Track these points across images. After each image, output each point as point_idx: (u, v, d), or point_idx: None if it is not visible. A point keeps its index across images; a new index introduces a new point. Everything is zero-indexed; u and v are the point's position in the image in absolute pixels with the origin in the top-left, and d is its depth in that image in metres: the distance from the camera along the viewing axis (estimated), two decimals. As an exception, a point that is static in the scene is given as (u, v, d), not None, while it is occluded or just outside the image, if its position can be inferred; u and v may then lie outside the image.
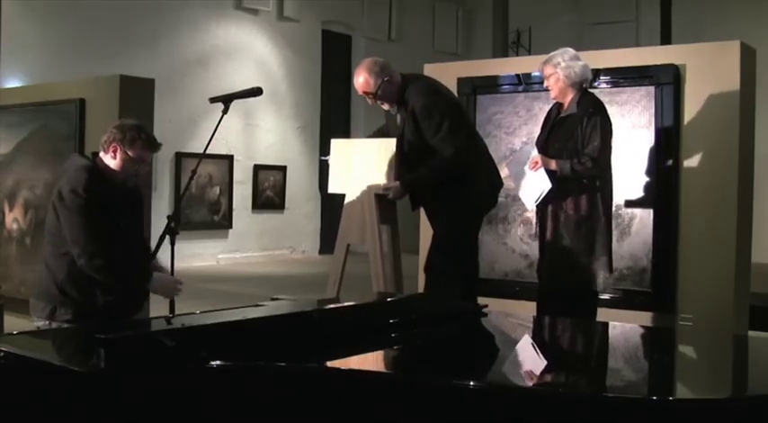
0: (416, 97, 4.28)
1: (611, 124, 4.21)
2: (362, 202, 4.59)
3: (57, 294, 3.28)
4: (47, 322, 3.26)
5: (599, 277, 4.15)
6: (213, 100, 3.94)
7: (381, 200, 4.52)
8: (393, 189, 4.36)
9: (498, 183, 4.51)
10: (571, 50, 4.30)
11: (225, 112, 3.78)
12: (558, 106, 4.35)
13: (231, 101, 3.82)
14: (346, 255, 4.82)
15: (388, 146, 4.42)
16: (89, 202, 3.21)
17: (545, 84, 4.33)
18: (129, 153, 3.30)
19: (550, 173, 4.19)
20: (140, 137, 3.33)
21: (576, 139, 4.14)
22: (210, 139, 3.77)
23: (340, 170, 4.68)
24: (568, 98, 4.25)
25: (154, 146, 3.39)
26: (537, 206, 4.33)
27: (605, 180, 4.21)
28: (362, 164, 4.57)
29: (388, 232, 4.77)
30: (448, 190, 4.30)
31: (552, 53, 4.30)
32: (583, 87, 4.26)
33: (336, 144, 4.79)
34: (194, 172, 3.79)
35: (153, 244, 3.60)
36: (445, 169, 4.29)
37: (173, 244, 3.46)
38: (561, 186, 4.19)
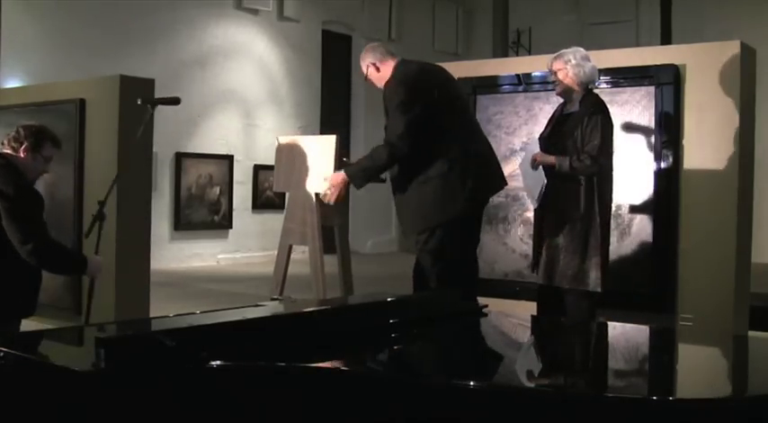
0: (389, 80, 4.16)
1: (612, 124, 4.22)
2: (303, 201, 4.55)
3: None
4: None
5: (590, 277, 4.16)
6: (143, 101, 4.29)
7: (323, 199, 4.45)
8: (331, 178, 4.26)
9: (494, 185, 4.31)
10: (582, 50, 4.33)
11: (151, 113, 4.19)
12: (563, 104, 4.38)
13: (155, 105, 4.20)
14: (288, 256, 4.80)
15: (329, 144, 4.37)
16: (34, 195, 3.57)
17: (552, 78, 4.34)
18: (42, 153, 3.63)
19: (548, 169, 4.23)
20: (49, 137, 3.67)
21: (577, 137, 4.16)
22: (139, 133, 4.18)
23: (284, 169, 4.66)
24: (573, 96, 4.28)
25: (60, 144, 3.76)
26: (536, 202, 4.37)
27: (604, 180, 4.22)
28: (304, 162, 4.54)
29: (339, 233, 4.75)
30: (427, 187, 4.09)
31: (564, 50, 4.32)
32: (588, 88, 4.29)
33: (281, 141, 4.78)
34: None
35: (154, 243, 3.69)
36: (385, 154, 4.05)
37: (100, 229, 3.85)
38: (558, 184, 4.21)
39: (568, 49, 4.32)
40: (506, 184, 4.42)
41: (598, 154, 4.09)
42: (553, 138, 4.31)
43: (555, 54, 4.35)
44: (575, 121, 4.22)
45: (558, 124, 4.35)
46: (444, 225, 4.10)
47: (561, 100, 4.38)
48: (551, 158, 4.20)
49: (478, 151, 4.21)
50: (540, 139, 4.39)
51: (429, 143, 4.06)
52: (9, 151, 3.58)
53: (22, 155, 3.58)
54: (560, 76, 4.26)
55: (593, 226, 4.16)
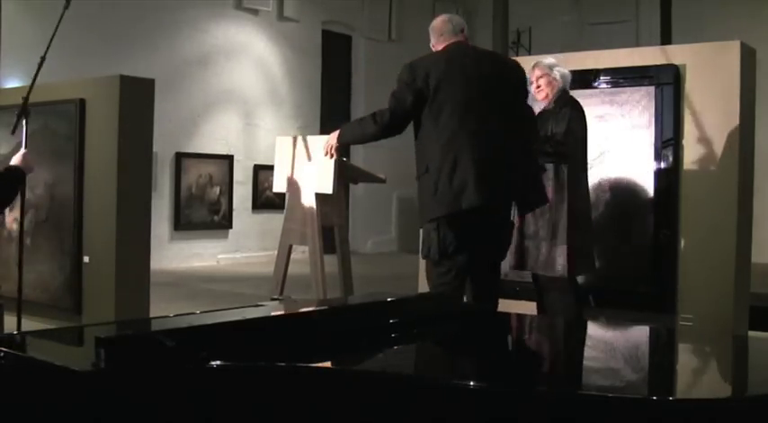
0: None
1: (581, 117, 4.42)
2: (303, 201, 4.57)
3: None
4: None
5: (558, 263, 4.32)
6: None
7: (323, 200, 4.48)
8: (330, 137, 4.31)
9: (477, 199, 3.77)
10: (551, 58, 4.61)
11: (66, 7, 4.39)
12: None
13: None
14: (288, 256, 4.80)
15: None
16: None
17: (534, 85, 4.50)
18: None
19: None
20: None
21: (549, 130, 4.37)
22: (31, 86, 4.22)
23: (283, 169, 4.66)
24: (550, 98, 4.50)
25: None
26: None
27: (575, 169, 4.37)
28: (305, 162, 4.55)
29: (339, 233, 4.75)
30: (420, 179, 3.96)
31: (538, 59, 4.59)
32: (564, 89, 4.51)
33: (280, 142, 4.79)
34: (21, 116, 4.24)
35: (154, 243, 3.67)
36: (369, 117, 3.99)
37: (27, 124, 4.09)
38: None
39: (542, 57, 4.60)
40: (514, 195, 3.99)
41: (563, 140, 4.30)
42: None
43: (533, 63, 4.56)
44: (546, 116, 4.44)
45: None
46: (434, 227, 3.88)
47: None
48: None
49: (472, 156, 3.79)
50: None
51: (423, 136, 3.91)
52: None
53: None
54: (544, 81, 4.46)
55: (561, 213, 4.30)
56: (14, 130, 4.06)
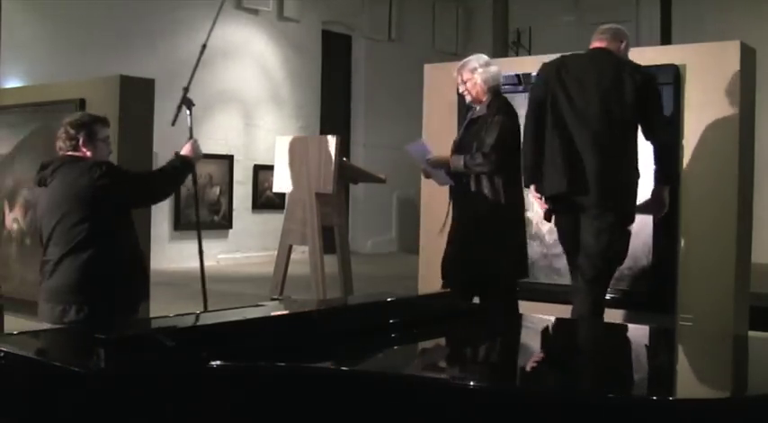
0: None
1: (515, 126, 4.36)
2: (303, 201, 4.57)
3: (68, 294, 3.42)
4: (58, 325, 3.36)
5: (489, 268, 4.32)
6: None
7: (323, 200, 4.48)
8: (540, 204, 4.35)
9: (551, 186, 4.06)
10: (484, 56, 4.56)
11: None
12: (473, 109, 4.53)
13: None
14: (288, 256, 4.80)
15: (329, 144, 4.37)
16: (111, 164, 3.68)
17: (460, 89, 4.51)
18: (99, 138, 3.66)
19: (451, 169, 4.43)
20: (98, 120, 3.70)
21: (483, 138, 4.32)
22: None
23: (283, 169, 4.67)
24: (482, 101, 4.43)
25: (108, 121, 3.78)
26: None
27: (508, 178, 4.31)
28: (304, 162, 4.55)
29: (339, 233, 4.75)
30: None
31: (466, 59, 4.52)
32: (497, 91, 4.46)
33: (280, 141, 4.79)
34: None
35: (154, 243, 3.66)
36: (525, 120, 4.27)
37: (191, 114, 4.36)
38: (461, 184, 4.39)
39: (471, 57, 4.52)
40: (567, 187, 4.03)
41: (490, 151, 4.23)
42: (464, 140, 4.46)
43: (459, 64, 4.51)
44: (480, 123, 4.38)
45: (467, 127, 4.50)
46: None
47: None
48: (446, 158, 4.39)
49: (546, 150, 4.08)
50: (454, 142, 4.53)
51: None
52: (72, 153, 3.60)
53: (84, 151, 3.60)
54: (470, 85, 4.43)
55: (494, 222, 4.28)
56: (174, 121, 4.21)
